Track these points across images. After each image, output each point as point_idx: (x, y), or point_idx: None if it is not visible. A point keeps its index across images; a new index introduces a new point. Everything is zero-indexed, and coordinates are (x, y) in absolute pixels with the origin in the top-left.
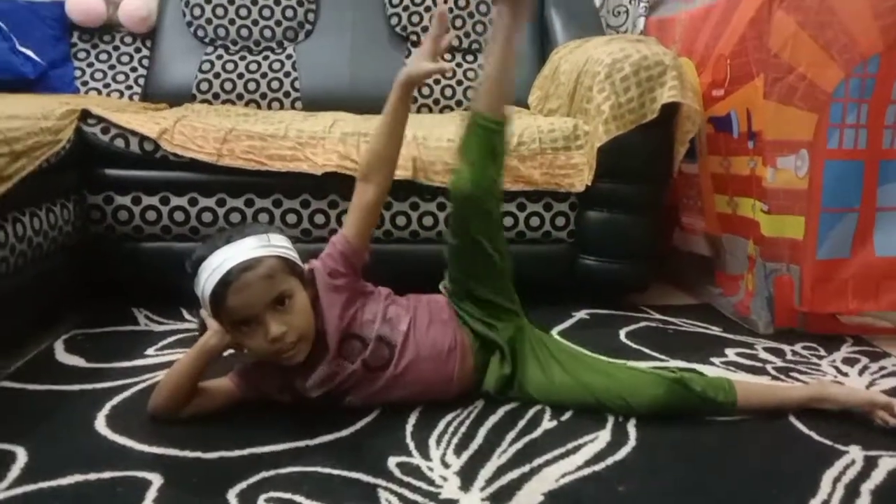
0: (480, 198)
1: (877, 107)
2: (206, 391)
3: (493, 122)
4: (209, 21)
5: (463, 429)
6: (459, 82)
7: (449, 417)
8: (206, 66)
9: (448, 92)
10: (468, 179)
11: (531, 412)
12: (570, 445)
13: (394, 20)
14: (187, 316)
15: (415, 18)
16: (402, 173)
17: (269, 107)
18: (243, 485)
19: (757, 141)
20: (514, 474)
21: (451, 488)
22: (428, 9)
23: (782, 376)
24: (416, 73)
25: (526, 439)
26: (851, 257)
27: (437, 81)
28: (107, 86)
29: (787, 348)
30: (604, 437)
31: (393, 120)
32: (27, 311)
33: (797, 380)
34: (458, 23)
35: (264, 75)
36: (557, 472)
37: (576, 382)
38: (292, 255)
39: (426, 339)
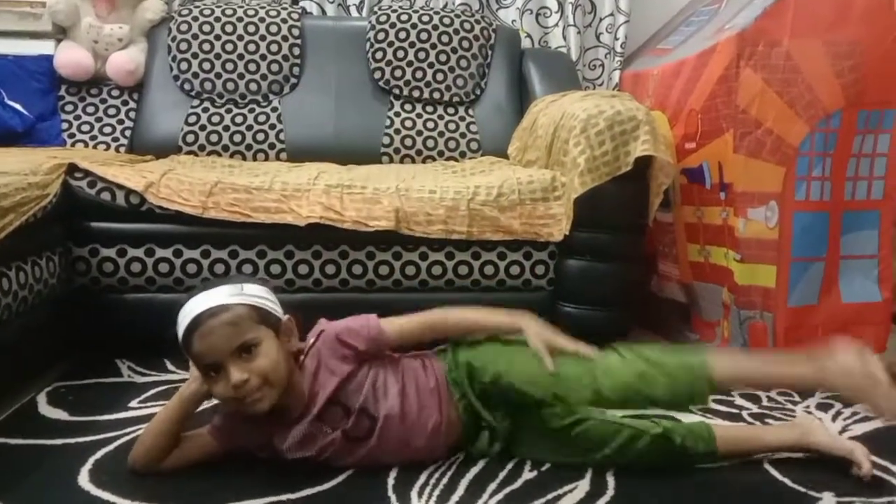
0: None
1: (839, 160)
2: (186, 442)
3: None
4: (196, 75)
5: (445, 480)
6: (441, 133)
7: (430, 469)
8: (193, 119)
9: (430, 143)
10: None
11: (511, 463)
12: (549, 496)
13: (377, 74)
14: (171, 367)
15: (397, 72)
16: (384, 224)
17: (255, 158)
18: None
19: (728, 192)
20: None
21: None
22: (410, 63)
23: (757, 423)
24: (526, 333)
25: (507, 490)
26: (819, 304)
27: (419, 133)
28: (93, 138)
29: (762, 394)
30: (583, 486)
31: (480, 328)
32: (11, 363)
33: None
34: (440, 77)
35: (250, 127)
36: None
37: (566, 449)
38: (268, 304)
39: (411, 414)
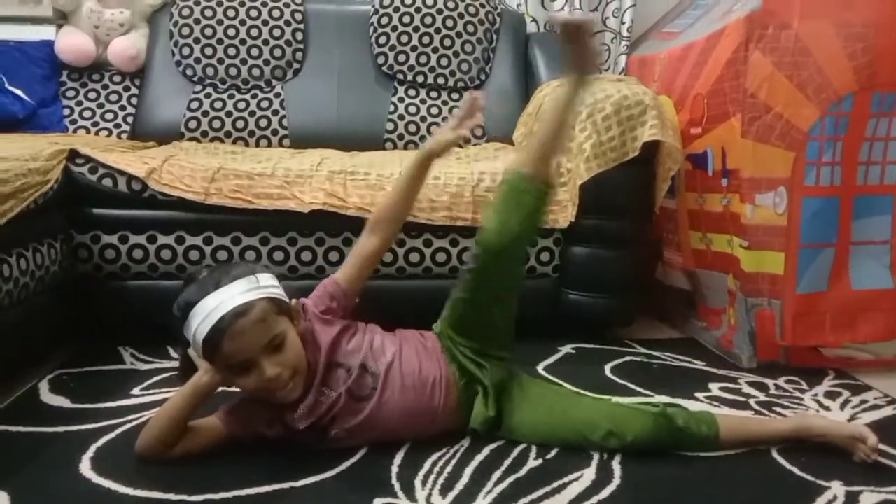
0: (502, 251)
1: (851, 144)
2: (194, 430)
3: (521, 179)
4: (198, 60)
5: (449, 468)
6: (445, 119)
7: (434, 457)
8: (195, 105)
9: (434, 129)
10: (491, 231)
11: (517, 451)
12: (555, 484)
13: (380, 59)
14: (173, 354)
15: (401, 57)
16: None
17: (258, 144)
18: None
19: (731, 179)
20: None
21: None
22: (414, 48)
23: (765, 411)
24: (436, 147)
25: (511, 479)
26: (829, 291)
27: (423, 119)
28: (95, 124)
29: (770, 382)
30: (588, 475)
31: (409, 185)
32: (13, 350)
33: (780, 414)
34: (444, 62)
35: (252, 113)
36: None
37: (565, 422)
38: (279, 293)
39: (411, 370)
